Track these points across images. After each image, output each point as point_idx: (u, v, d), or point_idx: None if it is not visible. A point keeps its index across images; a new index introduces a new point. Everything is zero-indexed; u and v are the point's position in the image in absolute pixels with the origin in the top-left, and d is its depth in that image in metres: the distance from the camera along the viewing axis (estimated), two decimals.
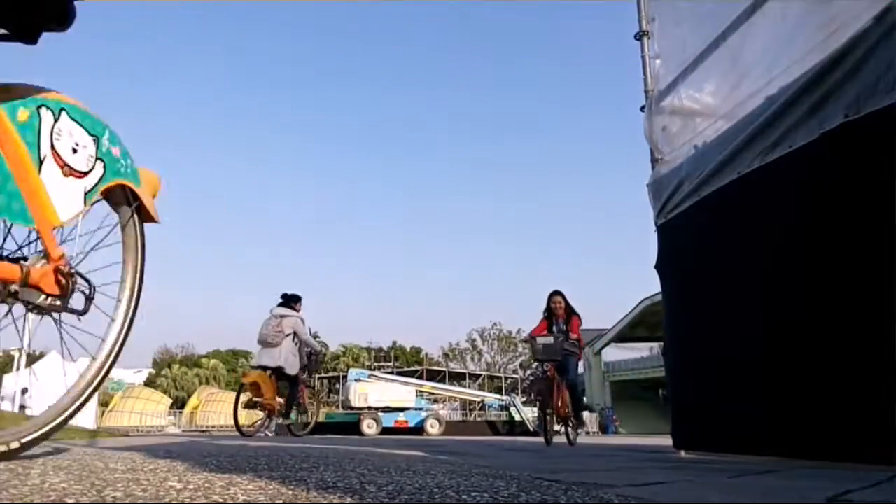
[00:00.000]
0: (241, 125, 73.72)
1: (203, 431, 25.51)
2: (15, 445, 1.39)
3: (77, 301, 1.52)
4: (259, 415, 6.57)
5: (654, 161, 3.91)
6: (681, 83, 3.68)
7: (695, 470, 2.31)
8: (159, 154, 71.05)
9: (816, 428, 2.41)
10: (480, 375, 35.81)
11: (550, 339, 5.54)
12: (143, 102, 70.07)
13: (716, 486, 1.75)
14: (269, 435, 7.24)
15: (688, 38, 3.59)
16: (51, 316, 1.46)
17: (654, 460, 3.15)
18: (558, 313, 5.96)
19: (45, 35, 1.30)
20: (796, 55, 2.68)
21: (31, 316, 1.42)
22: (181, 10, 65.66)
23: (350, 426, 18.14)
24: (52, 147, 1.40)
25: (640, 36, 4.03)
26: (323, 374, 34.71)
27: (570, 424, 5.93)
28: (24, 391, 20.01)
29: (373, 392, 19.82)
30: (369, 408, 19.16)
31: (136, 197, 1.69)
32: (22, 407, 19.35)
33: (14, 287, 1.35)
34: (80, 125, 1.50)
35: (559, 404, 5.65)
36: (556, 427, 5.73)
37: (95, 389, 1.61)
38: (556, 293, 6.06)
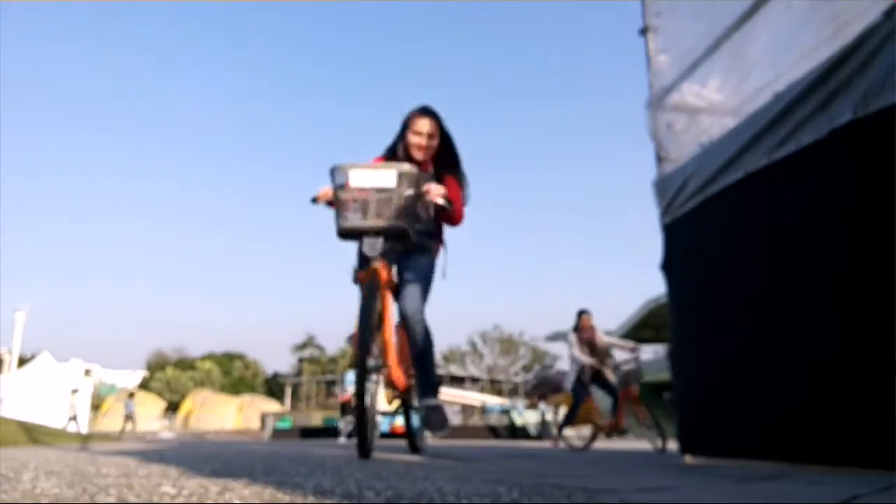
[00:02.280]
0: (238, 126, 73.94)
1: (198, 436, 25.47)
2: None
3: None
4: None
5: (658, 159, 3.87)
6: (686, 79, 3.64)
7: (701, 475, 2.28)
8: (166, 155, 71.52)
9: (822, 432, 2.38)
10: (481, 379, 35.77)
11: (387, 175, 2.54)
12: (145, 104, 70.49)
13: (722, 491, 1.72)
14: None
15: (693, 32, 3.54)
16: None
17: (660, 465, 3.12)
18: (421, 158, 2.91)
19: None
20: (804, 49, 2.65)
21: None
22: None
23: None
24: None
25: (645, 31, 3.99)
26: (319, 377, 34.66)
27: (423, 405, 2.92)
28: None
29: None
30: None
31: None
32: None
33: None
34: None
35: (390, 360, 2.83)
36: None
37: None
38: (427, 112, 2.92)
